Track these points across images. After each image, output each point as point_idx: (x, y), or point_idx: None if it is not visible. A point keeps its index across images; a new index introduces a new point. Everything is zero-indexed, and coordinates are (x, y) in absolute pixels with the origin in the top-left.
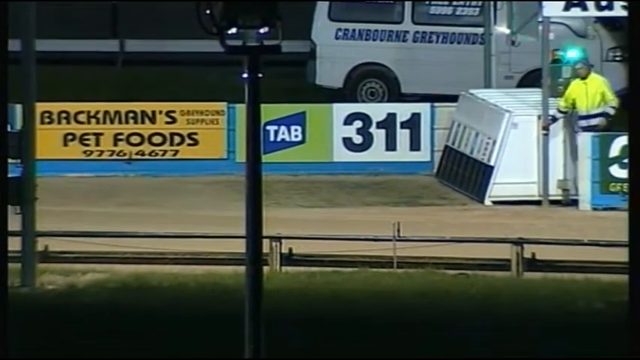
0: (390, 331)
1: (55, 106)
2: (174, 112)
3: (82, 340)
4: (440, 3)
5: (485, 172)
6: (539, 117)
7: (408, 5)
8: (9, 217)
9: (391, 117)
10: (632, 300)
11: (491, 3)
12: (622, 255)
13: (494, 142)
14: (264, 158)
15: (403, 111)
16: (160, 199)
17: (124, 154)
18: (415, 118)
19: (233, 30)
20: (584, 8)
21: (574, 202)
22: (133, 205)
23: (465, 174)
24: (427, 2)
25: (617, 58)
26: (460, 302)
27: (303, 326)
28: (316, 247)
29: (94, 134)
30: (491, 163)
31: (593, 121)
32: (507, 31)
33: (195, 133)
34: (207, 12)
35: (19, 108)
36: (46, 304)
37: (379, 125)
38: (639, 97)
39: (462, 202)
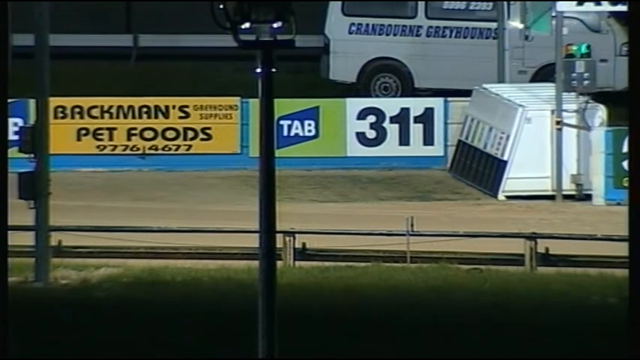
0: (403, 325)
1: (68, 101)
2: (187, 106)
3: (95, 334)
4: None
5: (498, 166)
6: (552, 112)
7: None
8: (23, 212)
9: (405, 112)
10: (632, 297)
11: None
12: None
13: (508, 137)
14: (278, 153)
15: (417, 106)
16: (174, 194)
17: (138, 149)
18: (428, 112)
19: (246, 25)
20: (598, 3)
21: (588, 197)
22: (146, 199)
23: (479, 169)
24: None
25: None
26: (474, 297)
27: (316, 321)
28: (330, 242)
29: (108, 129)
30: (505, 158)
31: None
32: (521, 26)
33: (209, 128)
34: (221, 7)
35: (32, 103)
36: (60, 298)
37: (393, 120)
38: (639, 96)
39: (475, 197)
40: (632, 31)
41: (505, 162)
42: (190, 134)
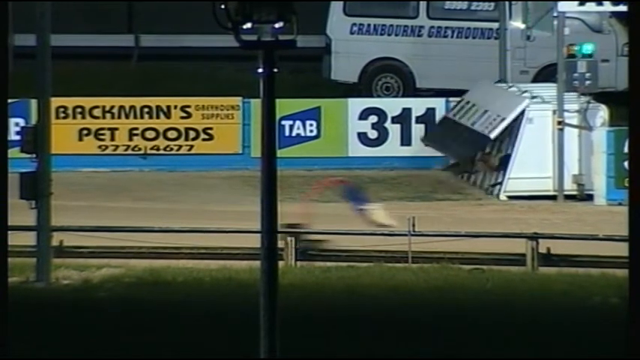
0: (405, 325)
1: (70, 101)
2: (189, 107)
3: (96, 334)
4: None
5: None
6: (554, 112)
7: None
8: (24, 212)
9: (406, 112)
10: (632, 297)
11: None
12: None
13: (503, 120)
14: (279, 153)
15: (418, 106)
16: (175, 194)
17: (139, 149)
18: (430, 112)
19: (248, 25)
20: (599, 3)
21: (589, 197)
22: (148, 200)
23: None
24: None
25: None
26: (475, 297)
27: (317, 321)
28: (331, 242)
29: (109, 129)
30: (491, 136)
31: None
32: (522, 26)
33: (211, 128)
34: (222, 7)
35: (34, 103)
36: (61, 298)
37: (394, 120)
38: (639, 96)
39: (477, 197)
40: (632, 31)
41: (507, 159)
42: (192, 134)
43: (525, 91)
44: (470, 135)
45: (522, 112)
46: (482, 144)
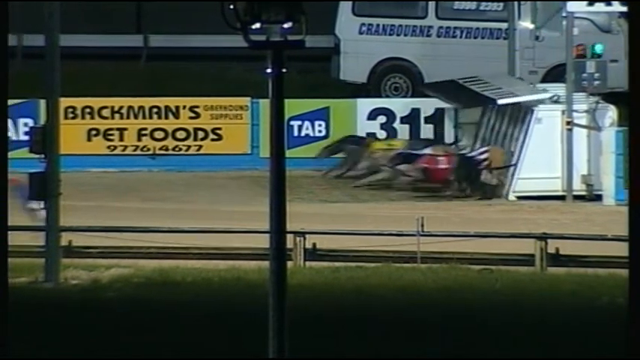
0: (413, 325)
1: (79, 101)
2: (198, 107)
3: (105, 334)
4: None
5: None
6: (563, 112)
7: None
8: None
9: (415, 112)
10: (632, 297)
11: None
12: None
13: (515, 96)
14: (288, 153)
15: (427, 106)
16: (184, 194)
17: (148, 150)
18: (439, 113)
19: (257, 25)
20: (608, 3)
21: (598, 197)
22: (156, 200)
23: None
24: None
25: None
26: (484, 297)
27: (326, 321)
28: (340, 242)
29: (118, 129)
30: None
31: None
32: (531, 26)
33: (219, 128)
34: (231, 7)
35: (43, 103)
36: (70, 299)
37: (403, 120)
38: (639, 97)
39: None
40: (632, 31)
41: (515, 162)
42: (201, 134)
43: (544, 90)
44: (474, 95)
45: (533, 110)
46: (485, 104)
